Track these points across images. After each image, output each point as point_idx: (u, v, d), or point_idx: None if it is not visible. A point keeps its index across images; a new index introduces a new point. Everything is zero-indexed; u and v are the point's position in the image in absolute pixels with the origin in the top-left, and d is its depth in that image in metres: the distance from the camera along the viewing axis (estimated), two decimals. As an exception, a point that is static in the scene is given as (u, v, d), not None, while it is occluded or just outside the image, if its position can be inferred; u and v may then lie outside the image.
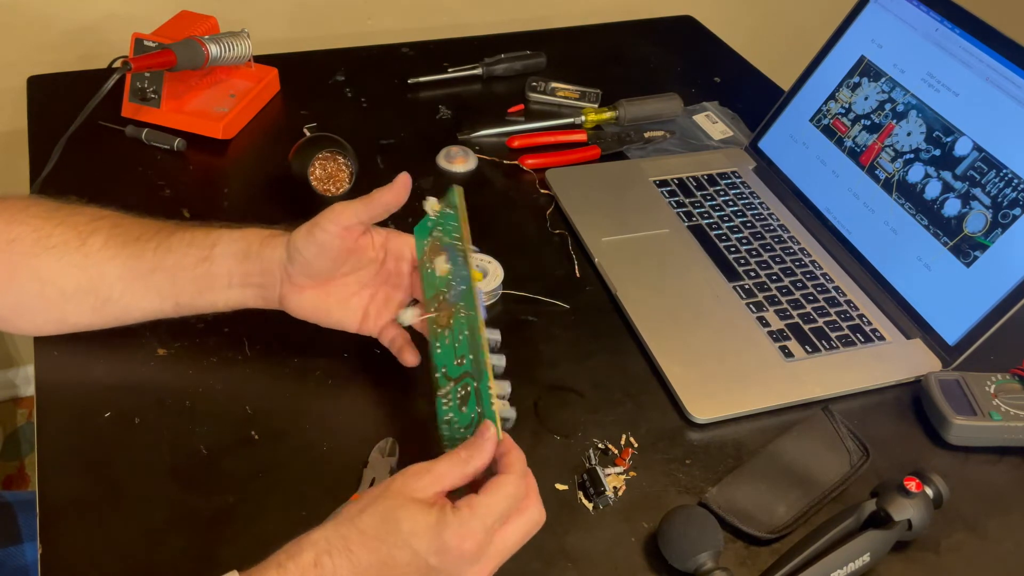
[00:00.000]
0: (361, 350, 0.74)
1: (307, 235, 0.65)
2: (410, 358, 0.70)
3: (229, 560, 0.59)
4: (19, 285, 0.67)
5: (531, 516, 0.55)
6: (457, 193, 0.64)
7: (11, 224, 0.66)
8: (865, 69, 0.92)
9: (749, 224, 0.93)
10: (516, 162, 1.01)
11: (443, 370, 0.62)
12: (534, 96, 1.12)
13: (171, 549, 0.60)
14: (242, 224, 0.69)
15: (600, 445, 0.70)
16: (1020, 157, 0.77)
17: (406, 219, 0.71)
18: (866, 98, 0.91)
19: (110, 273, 0.67)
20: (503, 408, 0.58)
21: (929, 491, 0.64)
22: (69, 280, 0.67)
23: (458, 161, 0.99)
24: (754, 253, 0.89)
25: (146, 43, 0.95)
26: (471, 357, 0.60)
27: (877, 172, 0.88)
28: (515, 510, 0.54)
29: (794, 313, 0.82)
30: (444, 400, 0.61)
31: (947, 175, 0.82)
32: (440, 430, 0.61)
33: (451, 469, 0.54)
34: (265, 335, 0.74)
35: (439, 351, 0.63)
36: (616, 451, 0.69)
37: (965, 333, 0.77)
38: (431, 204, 0.66)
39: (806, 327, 0.81)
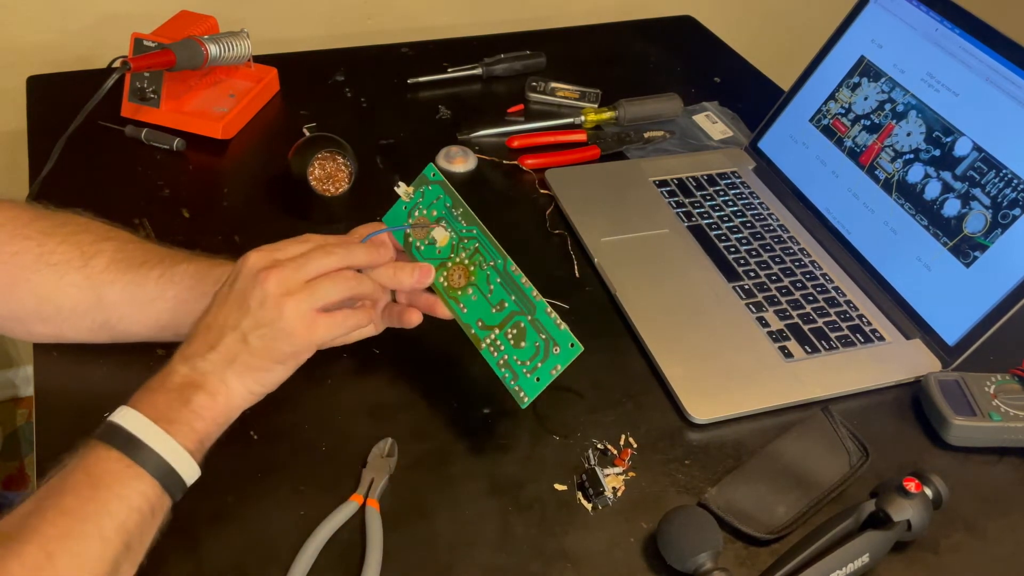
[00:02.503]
0: (361, 350, 0.74)
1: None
2: (414, 317, 0.69)
3: (229, 560, 0.59)
4: (17, 299, 0.67)
5: (324, 254, 0.61)
6: (433, 168, 0.69)
7: (15, 237, 0.66)
8: (865, 69, 0.92)
9: (749, 224, 0.93)
10: (516, 162, 1.01)
11: (478, 324, 0.66)
12: (534, 96, 1.12)
13: (170, 549, 0.60)
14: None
15: (599, 445, 0.70)
16: (1020, 157, 0.77)
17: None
18: (866, 98, 0.91)
19: (109, 297, 0.67)
20: (565, 325, 0.63)
21: (928, 492, 0.64)
22: (67, 299, 0.67)
23: (458, 161, 0.99)
24: (754, 253, 0.89)
25: (146, 43, 0.95)
26: (513, 298, 0.65)
27: (877, 172, 0.88)
28: (300, 241, 0.62)
29: (794, 313, 0.82)
30: (491, 349, 0.66)
31: (947, 175, 0.82)
32: (500, 375, 0.65)
33: None
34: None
35: (466, 311, 0.67)
36: (615, 451, 0.69)
37: (965, 333, 0.77)
38: (404, 189, 0.70)
39: (806, 327, 0.81)
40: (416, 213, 0.69)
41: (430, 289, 0.68)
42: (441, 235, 0.68)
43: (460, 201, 0.68)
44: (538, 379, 0.64)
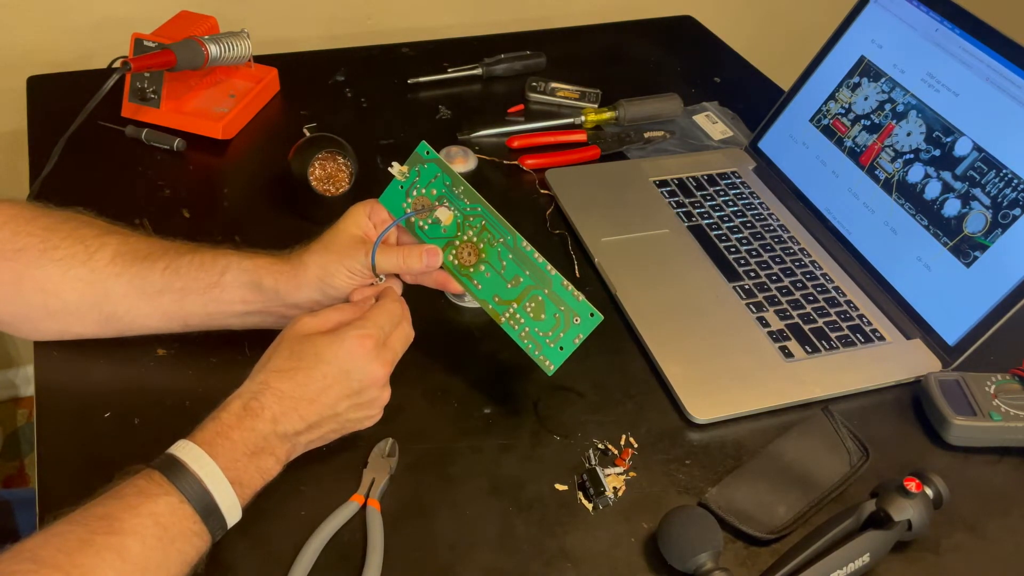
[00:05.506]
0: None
1: (348, 278, 0.67)
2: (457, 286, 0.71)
3: (230, 561, 0.59)
4: (24, 295, 0.67)
5: (406, 329, 0.65)
6: (426, 146, 0.69)
7: (18, 234, 0.66)
8: (865, 69, 0.92)
9: (749, 224, 0.93)
10: (516, 162, 1.01)
11: (495, 299, 0.67)
12: (534, 96, 1.12)
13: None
14: (250, 249, 0.70)
15: (600, 445, 0.70)
16: (1020, 157, 0.77)
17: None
18: (866, 98, 0.91)
19: (115, 290, 0.67)
20: (583, 297, 0.65)
21: (929, 491, 0.64)
22: (73, 293, 0.67)
23: (458, 161, 0.99)
24: (754, 253, 0.89)
25: (146, 43, 0.95)
26: (527, 273, 0.66)
27: (877, 172, 0.88)
28: (397, 323, 0.64)
29: (794, 313, 0.82)
30: (511, 322, 0.67)
31: (947, 175, 0.82)
32: (522, 346, 0.67)
33: (334, 313, 0.64)
34: (265, 335, 0.73)
35: (480, 288, 0.67)
36: (616, 451, 0.69)
37: (965, 333, 0.77)
38: (398, 169, 0.69)
39: (806, 327, 0.81)
40: (414, 192, 0.69)
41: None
42: (445, 214, 0.68)
43: (459, 179, 0.68)
44: (562, 348, 0.65)
